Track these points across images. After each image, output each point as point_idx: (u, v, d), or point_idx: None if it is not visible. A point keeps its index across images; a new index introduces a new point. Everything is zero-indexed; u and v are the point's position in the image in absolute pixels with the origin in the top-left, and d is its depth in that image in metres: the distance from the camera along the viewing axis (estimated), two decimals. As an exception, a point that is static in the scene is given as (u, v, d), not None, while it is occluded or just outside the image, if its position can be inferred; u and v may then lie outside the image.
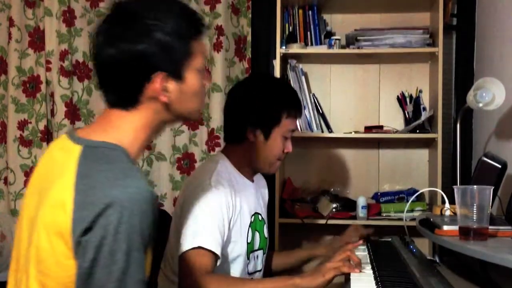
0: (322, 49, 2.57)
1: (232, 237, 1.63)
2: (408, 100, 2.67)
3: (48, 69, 2.67)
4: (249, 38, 2.71)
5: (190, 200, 1.59)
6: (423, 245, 2.38)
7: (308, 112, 2.57)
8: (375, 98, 2.76)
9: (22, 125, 2.70)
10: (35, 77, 2.70)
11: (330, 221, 2.47)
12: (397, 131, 2.61)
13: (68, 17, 2.67)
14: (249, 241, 1.70)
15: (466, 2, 2.60)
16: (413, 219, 2.17)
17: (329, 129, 2.63)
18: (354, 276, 1.43)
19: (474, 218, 1.39)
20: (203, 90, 1.22)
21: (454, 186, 1.47)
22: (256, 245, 1.75)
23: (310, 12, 2.62)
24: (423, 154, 2.71)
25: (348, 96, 2.77)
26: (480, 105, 1.90)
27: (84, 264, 0.99)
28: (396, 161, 2.75)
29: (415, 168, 2.72)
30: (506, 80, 1.95)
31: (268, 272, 1.92)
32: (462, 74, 2.62)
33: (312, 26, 2.62)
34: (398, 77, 2.73)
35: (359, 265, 1.49)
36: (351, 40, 2.57)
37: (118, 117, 1.14)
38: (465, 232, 1.41)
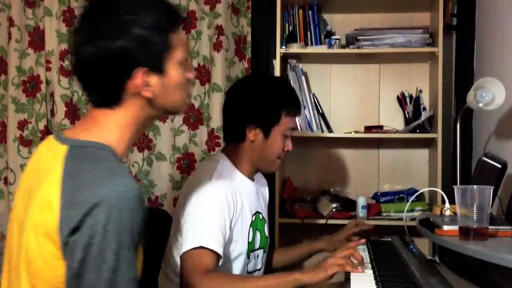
0: (322, 49, 2.57)
1: (233, 236, 1.63)
2: (408, 100, 2.67)
3: (48, 69, 2.67)
4: (249, 38, 2.71)
5: (191, 200, 1.59)
6: (423, 245, 2.38)
7: (308, 112, 2.57)
8: (375, 98, 2.76)
9: (22, 125, 2.70)
10: (35, 77, 2.70)
11: (330, 221, 2.47)
12: (397, 131, 2.61)
13: (68, 17, 2.67)
14: (250, 240, 1.70)
15: (466, 2, 2.60)
16: (413, 219, 2.17)
17: (329, 129, 2.63)
18: (354, 276, 1.43)
19: (474, 218, 1.39)
20: (186, 83, 1.21)
21: (454, 186, 1.47)
22: (257, 244, 1.75)
23: (310, 12, 2.62)
24: (423, 154, 2.71)
25: (348, 96, 2.77)
26: (480, 105, 1.90)
27: (73, 265, 0.99)
28: (396, 161, 2.75)
29: (415, 168, 2.73)
30: (506, 80, 1.95)
31: (269, 269, 1.93)
32: (462, 74, 2.62)
33: (312, 26, 2.62)
34: (398, 77, 2.73)
35: (361, 264, 1.48)
36: (351, 40, 2.57)
37: (103, 116, 1.14)
38: (465, 232, 1.41)
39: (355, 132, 2.62)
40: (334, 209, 2.49)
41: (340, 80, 2.77)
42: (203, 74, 2.64)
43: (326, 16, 2.73)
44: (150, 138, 2.67)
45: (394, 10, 2.68)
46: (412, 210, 2.44)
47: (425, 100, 2.64)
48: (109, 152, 1.10)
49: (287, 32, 2.62)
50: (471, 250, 1.33)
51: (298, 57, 2.62)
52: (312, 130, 2.57)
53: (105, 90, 1.13)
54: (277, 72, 2.48)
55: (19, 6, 2.70)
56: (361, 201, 2.48)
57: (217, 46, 2.62)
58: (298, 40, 2.60)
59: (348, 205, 2.55)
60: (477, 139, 2.50)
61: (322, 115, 2.63)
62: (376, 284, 1.33)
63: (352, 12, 2.73)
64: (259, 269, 1.79)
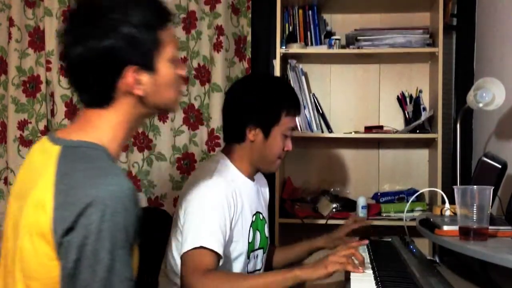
0: (322, 49, 2.57)
1: (233, 236, 1.63)
2: (408, 100, 2.67)
3: (48, 69, 2.67)
4: (249, 38, 2.71)
5: (191, 200, 1.59)
6: (423, 245, 2.38)
7: (308, 112, 2.57)
8: (375, 98, 2.76)
9: (22, 125, 2.70)
10: (35, 77, 2.70)
11: (330, 221, 2.47)
12: (397, 131, 2.61)
13: (68, 17, 2.67)
14: (250, 240, 1.70)
15: (466, 2, 2.60)
16: (413, 219, 2.17)
17: (329, 129, 2.63)
18: (354, 276, 1.43)
19: (474, 218, 1.39)
20: (178, 80, 1.21)
21: (454, 186, 1.47)
22: (257, 244, 1.75)
23: (310, 12, 2.62)
24: (423, 154, 2.71)
25: (348, 96, 2.77)
26: (480, 105, 1.90)
27: (67, 265, 0.99)
28: (396, 161, 2.75)
29: (415, 168, 2.72)
30: (506, 80, 1.95)
31: (269, 268, 1.92)
32: (462, 74, 2.62)
33: (312, 26, 2.62)
34: (398, 77, 2.73)
35: (362, 264, 1.48)
36: (351, 40, 2.57)
37: (95, 116, 1.14)
38: (465, 232, 1.41)
39: (355, 132, 2.62)
40: (334, 209, 2.49)
41: (340, 80, 2.77)
42: (203, 74, 2.64)
43: (326, 16, 2.72)
44: (150, 138, 2.67)
45: (394, 10, 2.68)
46: (412, 210, 2.44)
47: (425, 100, 2.64)
48: (102, 151, 1.10)
49: (287, 32, 2.62)
50: (471, 250, 1.33)
51: (298, 57, 2.62)
52: (312, 130, 2.57)
53: (96, 90, 1.13)
54: (277, 72, 2.48)
55: (19, 6, 2.70)
56: (361, 201, 2.48)
57: (217, 46, 2.62)
58: (298, 40, 2.60)
59: (348, 205, 2.55)
60: (477, 139, 2.50)
61: (322, 115, 2.63)
62: (376, 284, 1.33)
63: (352, 12, 2.73)
64: (259, 269, 1.80)
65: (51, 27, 2.66)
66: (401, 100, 2.68)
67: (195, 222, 1.55)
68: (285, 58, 2.58)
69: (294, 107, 1.75)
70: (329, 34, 2.61)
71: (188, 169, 2.66)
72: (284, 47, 2.50)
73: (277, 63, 2.49)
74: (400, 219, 2.30)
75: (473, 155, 2.51)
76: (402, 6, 2.63)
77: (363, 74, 2.76)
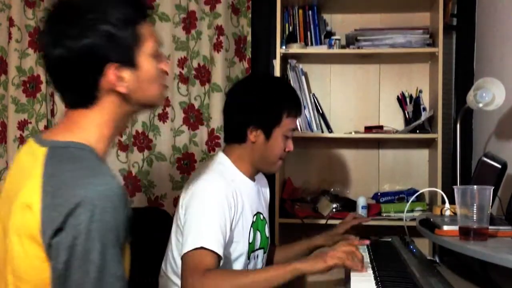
0: (322, 49, 2.57)
1: (234, 237, 1.63)
2: (408, 100, 2.67)
3: (48, 69, 2.67)
4: (249, 38, 2.71)
5: (192, 201, 1.59)
6: (423, 245, 2.38)
7: (308, 112, 2.57)
8: (375, 98, 2.76)
9: (22, 125, 2.70)
10: (35, 77, 2.70)
11: (330, 221, 2.47)
12: (397, 131, 2.61)
13: (68, 17, 2.67)
14: (250, 241, 1.70)
15: (466, 2, 2.60)
16: (413, 219, 2.17)
17: (329, 129, 2.63)
18: (354, 276, 1.43)
19: (474, 218, 1.39)
20: (161, 75, 1.20)
21: (454, 186, 1.47)
22: (257, 244, 1.75)
23: (310, 12, 2.62)
24: (423, 154, 2.71)
25: (348, 96, 2.77)
26: (480, 105, 1.90)
27: (57, 266, 0.98)
28: (396, 161, 2.75)
29: (415, 168, 2.72)
30: (506, 80, 1.95)
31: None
32: (462, 74, 2.62)
33: (312, 26, 2.62)
34: (398, 77, 2.73)
35: (361, 262, 1.48)
36: (351, 40, 2.57)
37: (80, 116, 1.13)
38: (465, 232, 1.41)
39: (355, 132, 2.62)
40: (334, 209, 2.49)
41: (340, 80, 2.77)
42: (203, 74, 2.64)
43: (326, 16, 2.72)
44: (150, 138, 2.67)
45: (394, 10, 2.68)
46: (412, 210, 2.44)
47: (425, 100, 2.64)
48: (89, 151, 1.09)
49: (287, 32, 2.62)
50: (471, 250, 1.33)
51: (298, 57, 2.62)
52: (312, 130, 2.57)
53: (79, 90, 1.12)
54: (277, 72, 2.48)
55: (19, 6, 2.70)
56: (361, 201, 2.48)
57: (217, 46, 2.62)
58: (298, 40, 2.60)
59: (348, 205, 2.55)
60: (477, 139, 2.50)
61: (322, 115, 2.64)
62: (376, 284, 1.33)
63: (352, 12, 2.73)
64: (259, 269, 1.79)
65: (51, 27, 2.66)
66: (401, 100, 2.68)
67: (195, 223, 1.55)
68: (285, 58, 2.58)
69: (296, 108, 1.75)
70: (329, 34, 2.61)
71: (188, 169, 2.66)
72: (284, 47, 2.51)
73: (277, 63, 2.49)
74: (400, 219, 2.30)
75: (473, 155, 2.51)
76: (402, 6, 2.64)
77: (363, 74, 2.76)
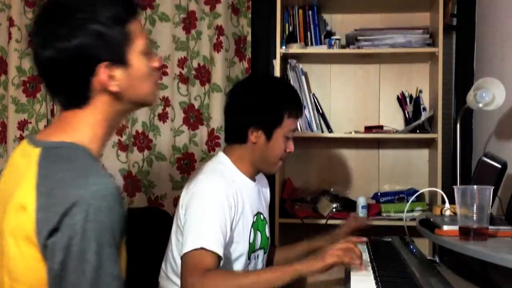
0: (322, 49, 2.57)
1: (234, 237, 1.63)
2: (408, 100, 2.67)
3: (48, 69, 2.67)
4: (249, 38, 2.71)
5: (192, 201, 1.58)
6: (423, 245, 2.38)
7: (308, 112, 2.57)
8: (375, 98, 2.76)
9: (22, 125, 2.71)
10: (35, 77, 2.70)
11: (330, 221, 2.47)
12: (397, 131, 2.61)
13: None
14: (251, 241, 1.70)
15: (466, 2, 2.60)
16: (413, 219, 2.17)
17: (329, 129, 2.63)
18: (354, 276, 1.43)
19: (474, 218, 1.39)
20: (153, 72, 1.19)
21: (454, 186, 1.47)
22: (258, 245, 1.75)
23: (310, 12, 2.62)
24: (423, 154, 2.71)
25: (348, 96, 2.77)
26: (480, 105, 1.90)
27: (54, 266, 0.98)
28: (396, 161, 2.75)
29: (415, 168, 2.72)
30: (506, 80, 1.95)
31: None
32: (462, 74, 2.62)
33: (312, 26, 2.62)
34: (398, 77, 2.73)
35: (360, 258, 1.47)
36: (351, 40, 2.57)
37: (73, 116, 1.13)
38: (465, 232, 1.41)
39: (355, 132, 2.62)
40: (334, 209, 2.49)
41: (340, 80, 2.77)
42: (203, 74, 2.65)
43: (326, 16, 2.73)
44: (150, 138, 2.67)
45: (394, 10, 2.68)
46: (412, 210, 2.44)
47: (425, 100, 2.64)
48: (83, 151, 1.09)
49: (287, 32, 2.62)
50: (471, 250, 1.33)
51: (298, 57, 2.62)
52: (312, 130, 2.57)
53: (71, 91, 1.12)
54: (277, 72, 2.48)
55: (19, 6, 2.70)
56: (361, 201, 2.48)
57: (217, 46, 2.63)
58: (298, 40, 2.61)
59: (348, 205, 2.55)
60: (477, 139, 2.50)
61: (322, 115, 2.64)
62: (376, 284, 1.33)
63: (352, 12, 2.73)
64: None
65: (51, 27, 2.66)
66: (401, 100, 2.68)
67: (195, 223, 1.55)
68: (285, 58, 2.58)
69: (297, 109, 1.75)
70: (329, 34, 2.61)
71: (188, 169, 2.66)
72: (284, 47, 2.51)
73: (277, 63, 2.49)
74: (400, 219, 2.30)
75: (473, 155, 2.51)
76: (402, 6, 2.64)
77: (363, 74, 2.76)
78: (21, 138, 2.70)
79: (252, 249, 1.72)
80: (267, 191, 1.91)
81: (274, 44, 2.55)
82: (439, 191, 2.17)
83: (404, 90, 2.69)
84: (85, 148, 1.10)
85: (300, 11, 2.63)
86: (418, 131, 2.53)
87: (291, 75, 2.58)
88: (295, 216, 2.49)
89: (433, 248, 2.32)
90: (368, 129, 2.61)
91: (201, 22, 2.65)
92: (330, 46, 2.54)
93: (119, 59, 1.11)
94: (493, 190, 1.44)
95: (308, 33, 2.62)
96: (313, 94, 2.65)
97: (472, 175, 2.01)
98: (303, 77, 2.59)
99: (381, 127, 2.64)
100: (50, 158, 1.06)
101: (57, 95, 1.15)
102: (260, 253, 1.78)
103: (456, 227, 1.45)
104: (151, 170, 2.68)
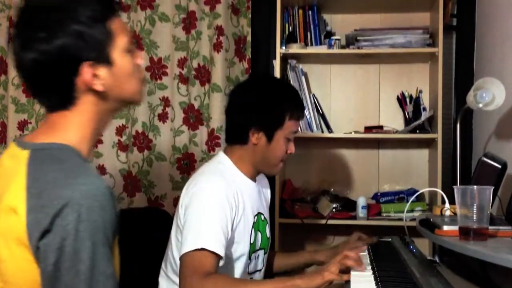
0: (322, 49, 2.57)
1: (235, 237, 1.63)
2: (408, 100, 2.67)
3: (48, 69, 2.67)
4: (249, 38, 2.71)
5: (192, 201, 1.58)
6: (423, 245, 2.38)
7: (308, 112, 2.57)
8: (375, 98, 2.76)
9: (22, 125, 2.70)
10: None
11: (330, 221, 2.47)
12: (397, 131, 2.61)
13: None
14: (251, 241, 1.70)
15: (466, 2, 2.60)
16: (413, 219, 2.17)
17: (329, 129, 2.63)
18: (354, 276, 1.43)
19: (474, 218, 1.39)
20: (137, 69, 1.18)
21: (454, 186, 1.47)
22: (258, 245, 1.75)
23: (310, 12, 2.62)
24: (423, 154, 2.71)
25: (348, 96, 2.77)
26: (480, 105, 1.90)
27: (47, 268, 0.98)
28: (396, 161, 2.75)
29: (415, 168, 2.72)
30: (506, 80, 1.95)
31: (269, 272, 1.92)
32: (462, 74, 2.62)
33: (312, 26, 2.62)
34: (398, 77, 2.73)
35: (359, 262, 1.48)
36: (351, 40, 2.57)
37: (61, 118, 1.12)
38: (465, 232, 1.41)
39: (355, 132, 2.62)
40: (334, 209, 2.49)
41: (340, 80, 2.77)
42: (203, 74, 2.64)
43: (326, 16, 2.73)
44: (150, 138, 2.67)
45: (394, 10, 2.68)
46: (412, 210, 2.44)
47: (425, 100, 2.64)
48: (72, 152, 1.09)
49: (287, 32, 2.62)
50: (471, 250, 1.33)
51: (298, 57, 2.62)
52: (312, 130, 2.57)
53: (56, 93, 1.11)
54: (277, 73, 2.48)
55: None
56: (361, 201, 2.48)
57: (217, 47, 2.62)
58: (298, 40, 2.61)
59: (348, 205, 2.55)
60: (477, 139, 2.50)
61: (322, 116, 2.64)
62: (376, 284, 1.33)
63: (352, 12, 2.73)
64: (260, 270, 1.79)
65: (51, 27, 2.66)
66: (401, 100, 2.68)
67: (195, 222, 1.55)
68: (285, 58, 2.58)
69: (298, 111, 1.75)
70: (329, 34, 2.61)
71: (188, 169, 2.66)
72: (284, 47, 2.51)
73: (277, 63, 2.49)
74: (400, 219, 2.30)
75: (473, 155, 2.51)
76: (402, 6, 2.64)
77: (363, 74, 2.76)
78: (21, 138, 2.69)
79: (252, 250, 1.72)
80: (267, 192, 1.91)
81: (274, 44, 2.55)
82: (439, 191, 2.17)
83: (404, 90, 2.69)
84: (74, 149, 1.10)
85: (300, 11, 2.63)
86: (418, 131, 2.53)
87: (291, 75, 2.58)
88: (295, 216, 2.49)
89: (433, 248, 2.32)
90: (368, 129, 2.61)
91: (201, 22, 2.65)
92: (330, 46, 2.54)
93: (102, 58, 1.10)
94: (493, 190, 1.44)
95: (308, 33, 2.62)
96: (313, 94, 2.65)
97: (472, 175, 2.01)
98: (303, 77, 2.59)
99: (381, 127, 2.64)
100: (39, 159, 1.06)
101: (42, 98, 1.14)
102: (261, 253, 1.78)
103: (456, 227, 1.45)
104: (151, 170, 2.68)
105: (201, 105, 2.65)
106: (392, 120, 2.70)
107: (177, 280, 1.61)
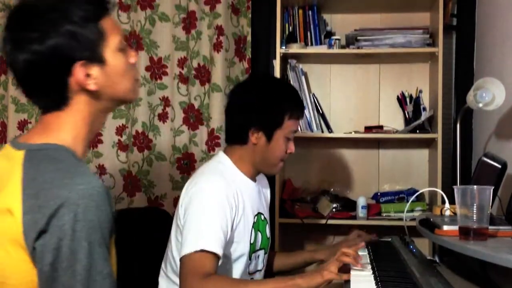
0: (322, 49, 2.57)
1: (235, 237, 1.63)
2: (408, 100, 2.67)
3: (48, 69, 2.67)
4: (249, 38, 2.71)
5: (192, 201, 1.58)
6: (423, 245, 2.38)
7: (308, 112, 2.57)
8: (375, 98, 2.76)
9: (22, 125, 2.70)
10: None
11: (330, 221, 2.47)
12: (397, 131, 2.61)
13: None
14: (252, 241, 1.70)
15: (466, 2, 2.60)
16: (413, 219, 2.17)
17: (329, 129, 2.63)
18: (354, 276, 1.43)
19: (474, 218, 1.39)
20: (130, 68, 1.18)
21: (454, 186, 1.47)
22: (258, 245, 1.75)
23: (310, 12, 2.62)
24: (423, 154, 2.71)
25: (348, 96, 2.77)
26: (480, 105, 1.90)
27: (44, 269, 0.98)
28: (396, 161, 2.75)
29: (415, 168, 2.72)
30: (506, 80, 1.95)
31: (270, 272, 1.92)
32: (462, 74, 2.62)
33: (312, 26, 2.62)
34: (398, 77, 2.73)
35: (355, 259, 1.48)
36: (351, 40, 2.57)
37: (55, 118, 1.12)
38: (465, 232, 1.41)
39: (355, 132, 2.62)
40: (334, 209, 2.49)
41: (340, 80, 2.77)
42: (203, 74, 2.64)
43: (326, 16, 2.73)
44: (150, 138, 2.67)
45: (394, 10, 2.68)
46: (412, 210, 2.44)
47: (425, 100, 2.64)
48: (66, 151, 1.09)
49: (287, 32, 2.62)
50: (471, 250, 1.33)
51: (298, 57, 2.62)
52: (312, 130, 2.57)
53: (49, 93, 1.11)
54: (277, 72, 2.48)
55: (19, 6, 2.69)
56: (361, 201, 2.48)
57: (217, 46, 2.62)
58: (298, 40, 2.61)
59: (348, 205, 2.55)
60: (477, 139, 2.50)
61: (322, 115, 2.64)
62: (376, 284, 1.33)
63: (352, 12, 2.73)
64: (260, 270, 1.79)
65: (51, 27, 2.66)
66: (401, 100, 2.68)
67: (195, 223, 1.54)
68: (285, 58, 2.58)
69: (298, 110, 1.75)
70: (329, 34, 2.61)
71: (188, 169, 2.66)
72: (284, 47, 2.51)
73: (277, 63, 2.49)
74: (400, 219, 2.30)
75: (473, 155, 2.51)
76: (402, 6, 2.64)
77: (363, 74, 2.76)
78: (21, 138, 2.69)
79: (252, 250, 1.71)
80: (267, 192, 1.91)
81: (274, 44, 2.55)
82: (439, 191, 2.17)
83: (404, 90, 2.69)
84: (68, 149, 1.10)
85: (300, 11, 2.63)
86: (418, 131, 2.53)
87: (291, 75, 2.58)
88: (295, 216, 2.49)
89: (433, 248, 2.32)
90: (368, 129, 2.61)
91: (201, 22, 2.65)
92: (330, 46, 2.54)
93: (94, 57, 1.10)
94: (493, 190, 1.44)
95: (308, 33, 2.62)
96: (313, 94, 2.65)
97: (472, 175, 2.01)
98: (303, 77, 2.59)
99: (381, 127, 2.64)
100: (35, 160, 1.06)
101: (36, 99, 1.15)
102: (261, 253, 1.78)
103: (456, 227, 1.45)
104: (151, 170, 2.68)
105: (201, 105, 2.65)
106: (392, 120, 2.70)
107: (177, 280, 1.61)
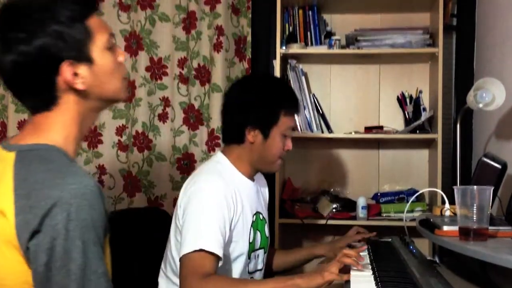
0: (322, 49, 2.57)
1: (233, 237, 1.63)
2: (408, 100, 2.67)
3: (48, 69, 2.67)
4: (249, 38, 2.71)
5: (191, 201, 1.58)
6: (423, 245, 2.38)
7: (308, 112, 2.57)
8: (375, 98, 2.76)
9: (22, 125, 2.70)
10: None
11: (330, 221, 2.47)
12: (397, 132, 2.61)
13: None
14: (251, 240, 1.70)
15: (466, 2, 2.60)
16: (413, 220, 2.17)
17: (329, 130, 2.63)
18: (354, 277, 1.43)
19: (474, 218, 1.39)
20: (118, 67, 1.18)
21: (454, 187, 1.47)
22: (257, 244, 1.75)
23: (310, 12, 2.62)
24: (423, 154, 2.71)
25: (348, 96, 2.77)
26: (480, 105, 1.90)
27: (38, 269, 0.98)
28: (396, 161, 2.75)
29: (415, 168, 2.72)
30: (506, 80, 1.95)
31: (269, 270, 1.92)
32: (462, 74, 2.62)
33: (312, 26, 2.62)
34: (398, 77, 2.73)
35: (356, 261, 1.47)
36: (351, 40, 2.57)
37: (44, 118, 1.12)
38: (465, 233, 1.41)
39: (355, 132, 2.62)
40: (334, 210, 2.49)
41: (340, 80, 2.77)
42: (203, 75, 2.64)
43: (326, 17, 2.73)
44: (150, 139, 2.67)
45: (394, 11, 2.68)
46: (412, 211, 2.44)
47: (425, 101, 2.64)
48: (58, 152, 1.09)
49: (287, 32, 2.62)
50: (471, 251, 1.33)
51: (298, 57, 2.62)
52: (312, 130, 2.57)
53: (37, 93, 1.11)
54: (277, 73, 2.48)
55: (19, 6, 2.69)
56: (361, 202, 2.48)
57: (217, 47, 2.63)
58: (298, 40, 2.61)
59: (348, 206, 2.55)
60: (477, 139, 2.50)
61: (322, 116, 2.64)
62: (376, 285, 1.33)
63: (352, 13, 2.73)
64: (260, 269, 1.79)
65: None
66: (401, 101, 2.68)
67: (194, 223, 1.54)
68: (285, 58, 2.58)
69: (292, 106, 1.74)
70: (329, 34, 2.61)
71: (188, 169, 2.65)
72: (284, 47, 2.51)
73: (277, 63, 2.49)
74: (400, 219, 2.30)
75: (473, 155, 2.51)
76: (402, 6, 2.64)
77: (363, 74, 2.76)
78: (21, 138, 2.69)
79: (252, 249, 1.72)
80: (265, 191, 1.91)
81: (274, 44, 2.55)
82: (439, 191, 2.17)
83: (404, 91, 2.69)
84: (60, 149, 1.10)
85: (300, 11, 2.63)
86: (418, 131, 2.53)
87: (291, 75, 2.58)
88: (295, 216, 2.49)
89: (433, 248, 2.32)
90: (368, 129, 2.61)
91: (201, 22, 2.65)
92: (330, 46, 2.54)
93: (82, 56, 1.10)
94: (493, 190, 1.45)
95: (308, 33, 2.62)
96: (313, 94, 2.65)
97: (472, 175, 2.01)
98: (303, 77, 2.59)
99: (381, 127, 2.64)
100: (26, 161, 1.06)
101: (24, 100, 1.14)
102: (260, 252, 1.78)
103: (456, 228, 1.45)
104: (151, 170, 2.68)
105: (201, 105, 2.65)
106: (392, 120, 2.70)
107: (176, 280, 1.61)
